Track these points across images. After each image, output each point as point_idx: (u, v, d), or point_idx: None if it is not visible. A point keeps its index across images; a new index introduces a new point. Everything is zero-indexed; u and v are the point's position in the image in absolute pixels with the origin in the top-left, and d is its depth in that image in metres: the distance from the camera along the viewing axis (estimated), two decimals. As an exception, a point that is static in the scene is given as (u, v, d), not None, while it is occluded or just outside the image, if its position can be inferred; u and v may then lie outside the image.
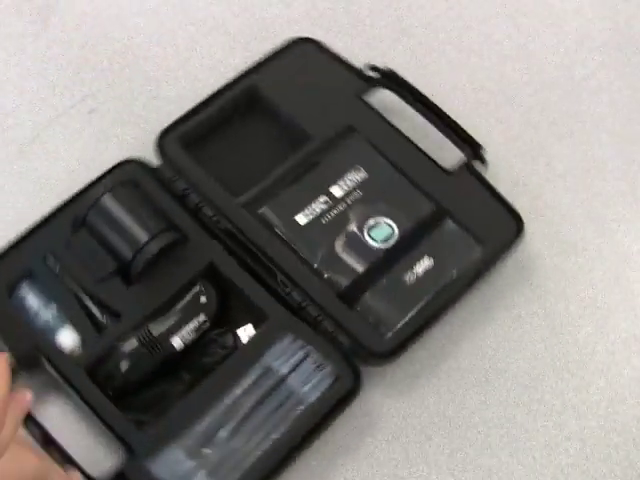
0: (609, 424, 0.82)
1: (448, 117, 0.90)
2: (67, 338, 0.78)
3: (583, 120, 0.97)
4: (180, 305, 0.80)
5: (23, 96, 0.96)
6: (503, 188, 0.92)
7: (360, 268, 0.82)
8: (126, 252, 0.79)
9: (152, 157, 0.87)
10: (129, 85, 0.96)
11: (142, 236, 0.79)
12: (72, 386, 0.75)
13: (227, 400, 0.76)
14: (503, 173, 0.93)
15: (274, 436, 0.75)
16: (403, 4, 1.03)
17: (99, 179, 0.85)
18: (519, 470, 0.80)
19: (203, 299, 0.80)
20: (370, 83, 0.92)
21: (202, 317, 0.80)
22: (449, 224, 0.85)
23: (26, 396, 0.65)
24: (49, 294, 0.79)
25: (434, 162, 0.89)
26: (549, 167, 0.94)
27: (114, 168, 0.85)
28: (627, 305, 0.88)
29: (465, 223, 0.85)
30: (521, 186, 0.93)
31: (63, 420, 0.76)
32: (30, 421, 0.72)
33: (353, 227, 0.84)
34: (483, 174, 0.89)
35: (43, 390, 0.77)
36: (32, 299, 0.79)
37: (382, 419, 0.81)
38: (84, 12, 1.01)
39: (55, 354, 0.76)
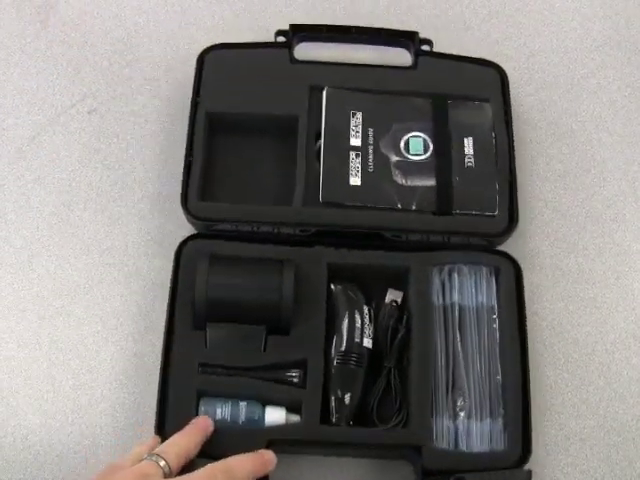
0: (609, 424, 0.82)
1: (368, 29, 0.94)
2: (275, 415, 0.77)
3: (583, 120, 0.97)
4: (341, 310, 0.81)
5: (23, 96, 0.96)
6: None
7: (431, 181, 0.87)
8: (269, 306, 0.78)
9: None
10: (129, 85, 0.96)
11: (272, 282, 0.78)
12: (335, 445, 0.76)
13: (440, 354, 0.80)
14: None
15: (497, 352, 0.80)
16: (403, 4, 1.03)
17: (176, 271, 0.81)
18: (519, 470, 0.80)
19: (351, 294, 0.82)
20: (290, 46, 0.93)
21: (362, 308, 0.81)
22: (453, 104, 0.91)
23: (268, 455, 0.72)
24: (229, 396, 0.77)
25: (396, 67, 0.93)
26: (549, 167, 0.94)
27: (180, 252, 0.82)
28: (627, 305, 0.88)
29: (462, 94, 0.91)
30: (521, 186, 0.93)
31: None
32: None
33: (394, 157, 0.88)
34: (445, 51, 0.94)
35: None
36: (218, 410, 0.76)
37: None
38: (84, 12, 1.01)
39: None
